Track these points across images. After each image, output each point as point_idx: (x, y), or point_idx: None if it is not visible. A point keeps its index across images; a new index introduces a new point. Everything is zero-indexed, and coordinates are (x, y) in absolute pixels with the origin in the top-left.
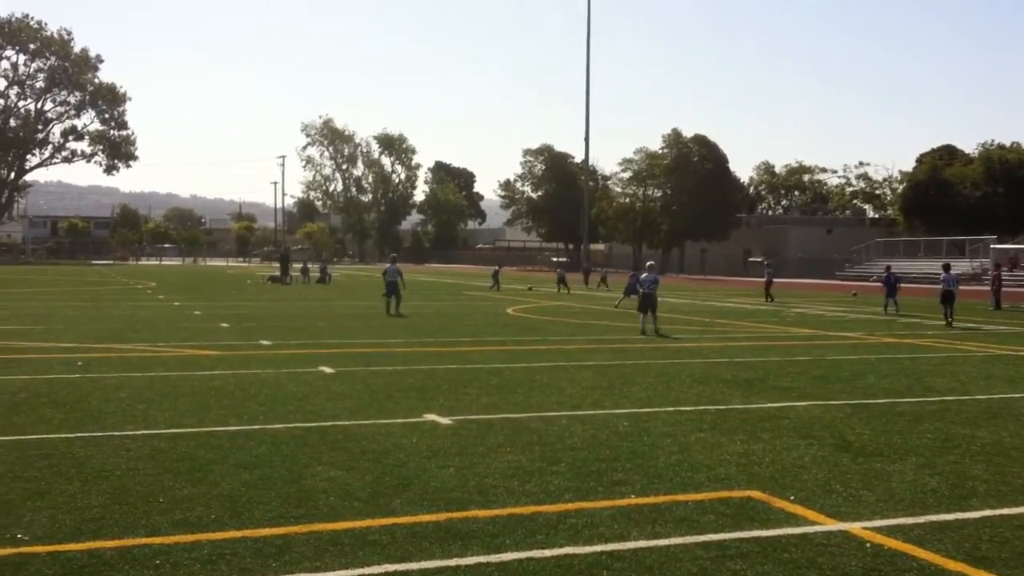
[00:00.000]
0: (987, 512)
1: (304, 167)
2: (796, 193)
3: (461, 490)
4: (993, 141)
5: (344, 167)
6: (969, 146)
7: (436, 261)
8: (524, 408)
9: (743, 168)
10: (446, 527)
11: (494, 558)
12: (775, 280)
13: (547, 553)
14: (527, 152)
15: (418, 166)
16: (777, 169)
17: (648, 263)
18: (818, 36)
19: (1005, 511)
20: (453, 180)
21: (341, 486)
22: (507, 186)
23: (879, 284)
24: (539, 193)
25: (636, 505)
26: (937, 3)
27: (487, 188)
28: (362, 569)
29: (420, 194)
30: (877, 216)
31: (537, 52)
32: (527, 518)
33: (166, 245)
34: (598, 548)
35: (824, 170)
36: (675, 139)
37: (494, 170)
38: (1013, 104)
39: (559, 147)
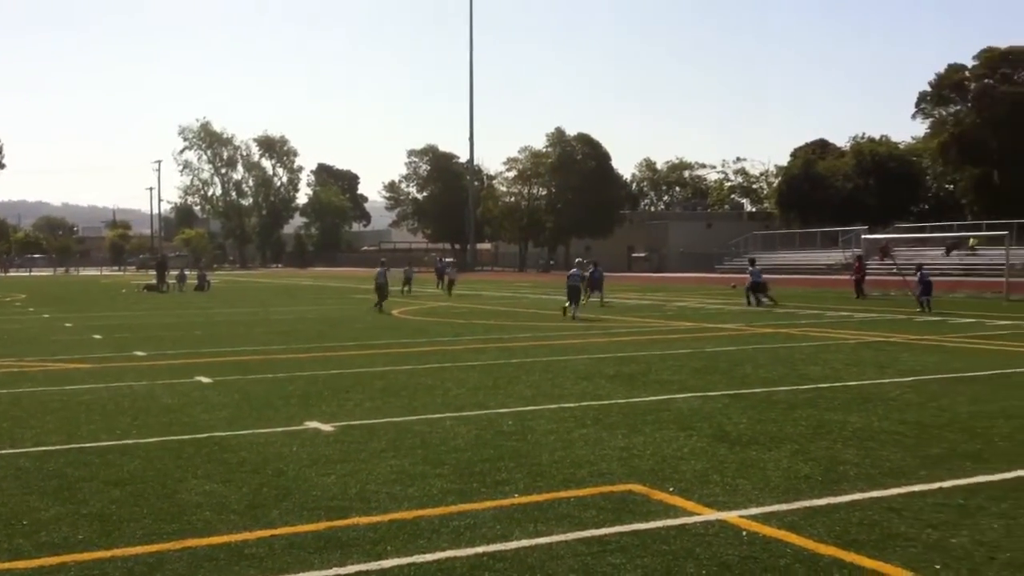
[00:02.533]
0: (857, 496)
1: (181, 172)
2: (677, 189)
3: (342, 498)
4: (864, 135)
5: (223, 171)
6: (841, 140)
7: (320, 264)
8: (408, 411)
9: (626, 165)
10: (326, 536)
11: (374, 566)
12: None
13: (428, 557)
14: (411, 153)
15: (300, 168)
16: (658, 166)
17: (577, 259)
18: (696, 33)
19: (874, 494)
20: (336, 182)
21: (217, 499)
22: (392, 187)
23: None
24: (424, 194)
25: (519, 504)
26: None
27: (371, 190)
28: None
29: (303, 197)
30: (755, 210)
31: (420, 52)
32: (409, 523)
33: (36, 255)
34: (480, 549)
35: (703, 166)
36: (559, 138)
37: (378, 171)
38: (883, 99)
39: (444, 147)
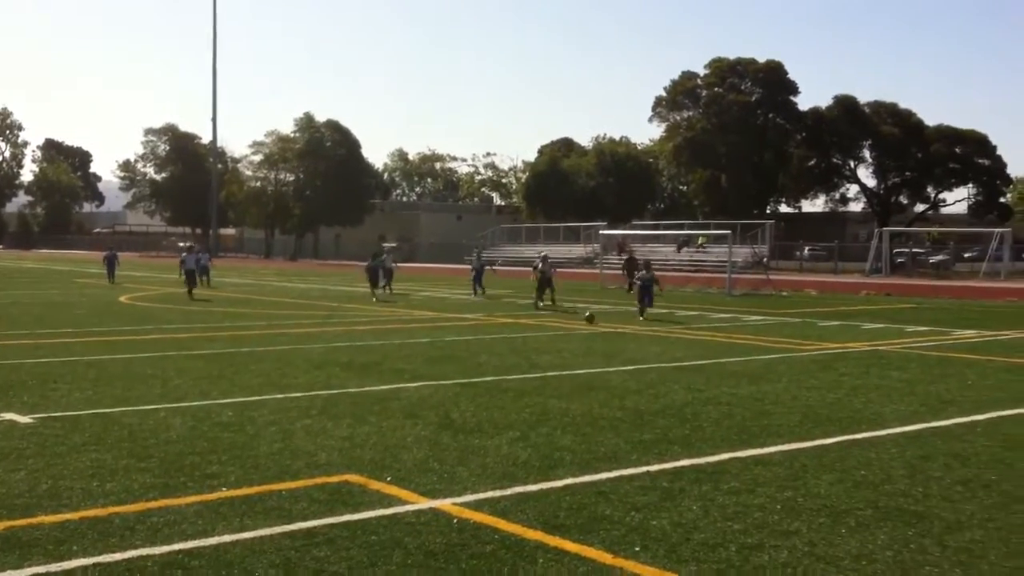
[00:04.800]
0: (570, 480)
1: None
2: (429, 180)
3: (29, 495)
4: (605, 135)
5: None
6: (585, 139)
7: (47, 246)
8: (121, 402)
9: (377, 154)
10: (4, 537)
11: (55, 567)
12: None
13: (118, 556)
14: (149, 131)
15: (25, 144)
16: (411, 156)
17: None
18: (449, 27)
19: (586, 478)
20: (66, 159)
21: None
22: (127, 167)
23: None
24: (163, 175)
25: (226, 498)
26: (554, 3)
27: (105, 169)
28: None
29: (28, 174)
30: (503, 204)
31: (160, 24)
32: (102, 520)
33: None
34: (177, 546)
35: (455, 158)
36: (308, 123)
37: (113, 150)
38: (625, 101)
39: (185, 127)
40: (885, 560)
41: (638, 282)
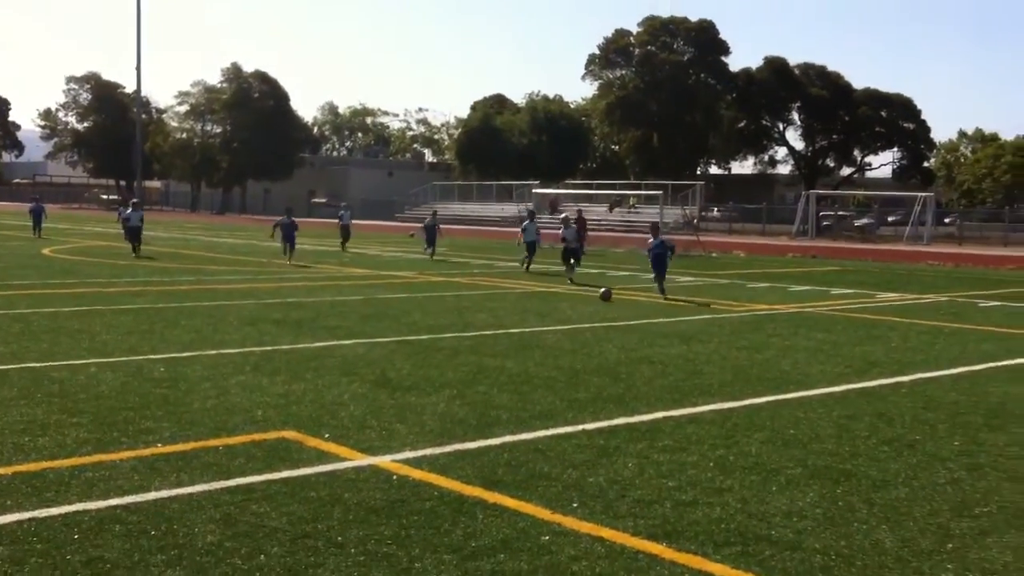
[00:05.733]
0: (507, 438)
1: None
2: (359, 135)
3: None
4: (539, 92)
5: None
6: (518, 96)
7: None
8: (48, 357)
9: (307, 108)
10: None
11: None
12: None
13: (54, 511)
14: (71, 79)
15: None
16: (341, 110)
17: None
18: None
19: (523, 436)
20: None
21: None
22: (48, 115)
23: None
24: (86, 124)
25: (162, 454)
26: None
27: (25, 117)
28: None
29: None
30: (436, 160)
31: None
32: (36, 475)
33: None
34: (113, 502)
35: (386, 113)
36: (235, 73)
37: (33, 98)
38: (558, 58)
39: (108, 75)
40: (815, 516)
41: (647, 252)
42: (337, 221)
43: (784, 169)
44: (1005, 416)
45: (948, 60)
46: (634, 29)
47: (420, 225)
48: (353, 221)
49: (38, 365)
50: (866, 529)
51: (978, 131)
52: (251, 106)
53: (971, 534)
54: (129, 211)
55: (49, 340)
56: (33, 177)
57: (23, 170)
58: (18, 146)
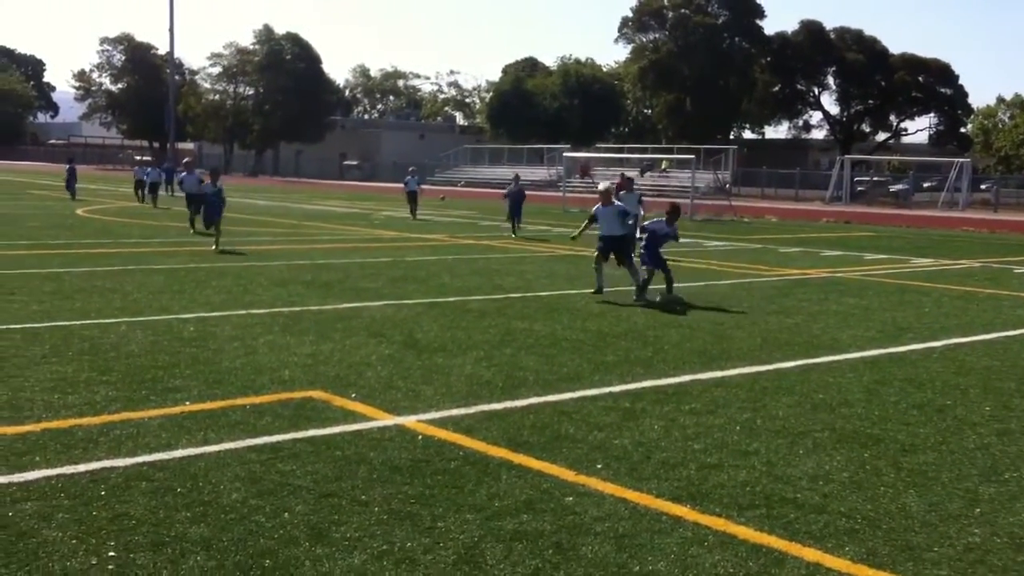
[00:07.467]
0: (533, 400)
1: None
2: (391, 98)
3: None
4: (571, 56)
5: None
6: (550, 59)
7: None
8: (80, 315)
9: (339, 70)
10: None
11: (18, 478)
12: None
13: (81, 468)
14: (105, 40)
15: None
16: (372, 73)
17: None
18: None
19: (549, 398)
20: (19, 68)
21: None
22: (82, 77)
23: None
24: (119, 86)
25: (190, 412)
26: None
27: (60, 78)
28: None
29: None
30: (467, 124)
31: None
32: (64, 432)
33: None
34: (140, 459)
35: (418, 76)
36: (267, 35)
37: (67, 59)
38: (591, 21)
39: (141, 37)
40: (841, 480)
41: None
42: (402, 187)
43: (819, 134)
44: None
45: (987, 25)
46: None
47: (503, 192)
48: (372, 183)
49: (69, 323)
50: (892, 493)
51: (1017, 97)
52: (283, 68)
53: (1000, 499)
54: (183, 173)
55: (81, 299)
56: (68, 138)
57: (58, 131)
58: (53, 107)
